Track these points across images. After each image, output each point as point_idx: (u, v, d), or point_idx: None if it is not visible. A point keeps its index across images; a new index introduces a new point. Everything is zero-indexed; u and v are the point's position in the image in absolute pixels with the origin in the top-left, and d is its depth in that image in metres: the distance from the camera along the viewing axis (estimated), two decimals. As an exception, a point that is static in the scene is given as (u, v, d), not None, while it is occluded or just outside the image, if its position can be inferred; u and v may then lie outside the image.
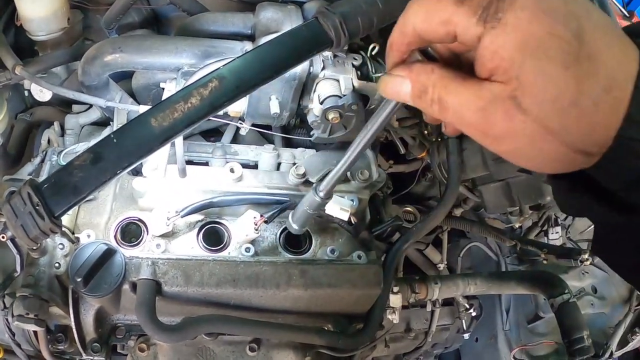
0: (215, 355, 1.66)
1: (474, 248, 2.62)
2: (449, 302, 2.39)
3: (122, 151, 1.02)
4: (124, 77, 1.76)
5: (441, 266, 2.41)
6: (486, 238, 2.51)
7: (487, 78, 0.63)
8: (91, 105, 1.81)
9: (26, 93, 1.86)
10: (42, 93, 1.77)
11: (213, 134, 1.90)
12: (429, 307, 2.20)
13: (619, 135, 0.59)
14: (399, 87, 0.70)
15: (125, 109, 1.62)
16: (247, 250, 1.55)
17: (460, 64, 0.68)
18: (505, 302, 2.61)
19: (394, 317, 1.75)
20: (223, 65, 1.07)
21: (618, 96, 0.58)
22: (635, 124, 0.58)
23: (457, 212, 2.30)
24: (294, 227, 1.45)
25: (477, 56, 0.63)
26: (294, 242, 1.61)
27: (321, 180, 1.31)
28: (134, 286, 1.44)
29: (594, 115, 0.58)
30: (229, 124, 1.80)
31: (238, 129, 1.81)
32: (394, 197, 2.18)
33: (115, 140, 1.02)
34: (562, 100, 0.58)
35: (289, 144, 1.89)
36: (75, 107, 1.85)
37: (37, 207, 1.00)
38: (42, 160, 1.68)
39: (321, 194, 1.32)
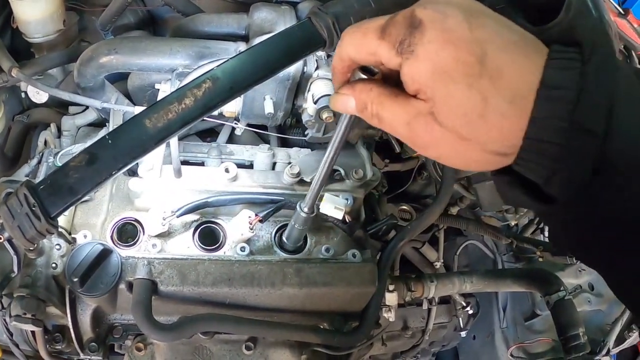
0: (212, 354, 1.67)
1: (470, 246, 2.62)
2: (445, 300, 2.40)
3: (117, 152, 1.03)
4: (119, 79, 1.77)
5: (438, 264, 2.42)
6: (482, 236, 2.51)
7: (414, 95, 0.74)
8: (87, 107, 1.82)
9: (23, 95, 1.87)
10: (38, 95, 1.78)
11: (209, 135, 1.91)
12: (425, 305, 2.21)
13: (526, 137, 0.67)
14: (345, 103, 0.83)
15: (121, 110, 1.63)
16: (243, 249, 1.56)
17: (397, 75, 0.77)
18: (502, 299, 2.61)
19: (390, 315, 1.75)
20: (217, 66, 1.08)
21: (522, 105, 0.67)
22: (539, 127, 0.66)
23: (454, 210, 2.31)
24: (289, 245, 1.54)
25: (402, 80, 0.74)
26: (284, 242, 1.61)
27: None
28: (130, 286, 1.45)
29: (502, 123, 0.68)
30: (224, 124, 1.81)
31: (234, 129, 1.81)
32: (390, 196, 2.19)
33: (110, 142, 1.03)
34: (471, 114, 0.68)
35: (284, 143, 1.89)
36: (71, 109, 1.86)
37: (33, 208, 1.01)
38: (39, 162, 1.69)
39: (305, 210, 1.41)
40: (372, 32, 0.75)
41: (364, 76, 0.82)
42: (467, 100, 0.68)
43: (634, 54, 2.16)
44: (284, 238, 1.56)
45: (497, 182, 0.79)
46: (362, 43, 0.77)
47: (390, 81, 0.79)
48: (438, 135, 0.72)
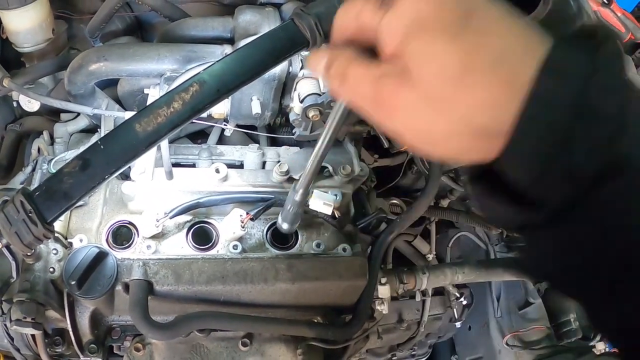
0: (209, 352, 1.70)
1: (462, 237, 2.63)
2: (439, 292, 2.41)
3: (109, 157, 1.05)
4: (109, 85, 1.79)
5: (430, 257, 2.43)
6: (474, 227, 2.53)
7: (386, 60, 0.66)
8: (79, 114, 1.83)
9: (15, 104, 1.89)
10: (30, 103, 1.80)
11: (200, 137, 1.93)
12: (418, 297, 2.22)
13: (522, 116, 0.56)
14: (317, 61, 0.73)
15: (112, 116, 1.65)
16: (235, 247, 1.58)
17: None
18: (495, 289, 2.63)
19: (383, 308, 1.77)
20: (203, 70, 1.11)
21: (517, 71, 0.57)
22: (539, 105, 0.55)
23: (444, 202, 2.33)
24: (284, 227, 1.52)
25: (377, 40, 0.67)
26: (280, 238, 1.64)
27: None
28: (126, 287, 1.48)
29: (489, 89, 0.57)
30: (214, 126, 1.84)
31: (223, 130, 1.84)
32: (381, 191, 2.22)
33: (102, 147, 1.06)
34: (448, 71, 0.58)
35: (273, 142, 1.92)
36: (63, 116, 1.88)
37: (30, 214, 1.04)
38: (33, 169, 1.71)
39: (300, 191, 1.40)
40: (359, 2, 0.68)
41: None
42: (444, 55, 0.58)
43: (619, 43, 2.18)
44: (279, 222, 1.54)
45: (474, 190, 0.67)
46: (349, 7, 0.71)
47: None
48: (408, 95, 0.61)
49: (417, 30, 0.61)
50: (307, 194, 1.44)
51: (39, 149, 1.84)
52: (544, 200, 0.58)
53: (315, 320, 1.72)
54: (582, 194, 0.55)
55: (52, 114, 1.92)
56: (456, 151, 0.63)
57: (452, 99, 0.59)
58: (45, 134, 1.85)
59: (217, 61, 1.13)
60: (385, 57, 0.66)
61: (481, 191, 0.66)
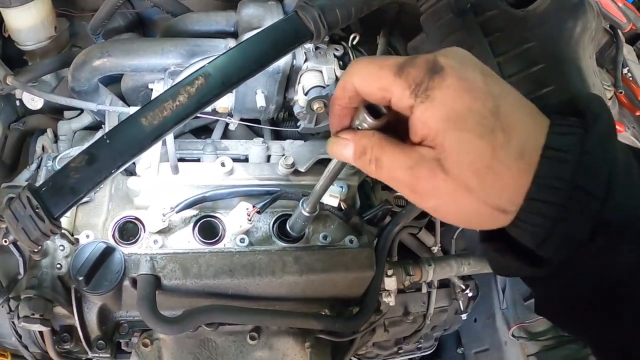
0: (217, 346, 1.70)
1: (467, 229, 2.64)
2: (445, 284, 2.41)
3: (115, 151, 1.06)
4: (112, 82, 1.79)
5: (435, 249, 2.43)
6: (479, 218, 2.52)
7: (418, 143, 0.72)
8: (82, 111, 1.84)
9: (17, 103, 1.89)
10: (33, 101, 1.80)
11: (203, 132, 1.93)
12: (424, 289, 2.22)
13: (527, 197, 0.68)
14: (343, 149, 0.80)
15: (116, 112, 1.65)
16: (242, 240, 1.58)
17: (399, 120, 0.76)
18: (500, 281, 2.63)
19: (390, 300, 1.78)
20: (208, 63, 1.11)
21: (528, 162, 0.68)
22: (541, 187, 0.67)
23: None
24: (292, 234, 1.58)
25: (410, 124, 0.73)
26: (287, 231, 1.63)
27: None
28: (134, 282, 1.48)
29: (508, 178, 0.68)
30: (218, 120, 1.84)
31: (227, 125, 1.84)
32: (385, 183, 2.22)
33: (108, 141, 1.07)
34: (478, 163, 0.68)
35: (277, 137, 1.92)
36: (66, 114, 1.88)
37: (36, 210, 1.04)
38: (38, 167, 1.70)
39: (307, 209, 1.46)
40: (388, 67, 0.73)
41: (369, 118, 0.77)
42: (477, 150, 0.68)
43: (619, 32, 2.18)
44: (288, 227, 1.59)
45: (487, 249, 0.79)
46: (375, 75, 0.74)
47: (392, 127, 0.78)
48: (441, 183, 0.70)
49: (452, 126, 0.69)
50: (314, 211, 1.47)
51: (43, 147, 1.84)
52: (547, 259, 0.71)
53: (323, 313, 1.72)
54: (576, 251, 0.69)
55: (55, 112, 1.92)
56: (476, 223, 0.74)
57: (480, 186, 0.69)
58: (49, 132, 1.85)
59: (222, 54, 1.14)
60: (416, 140, 0.73)
61: (493, 249, 0.78)
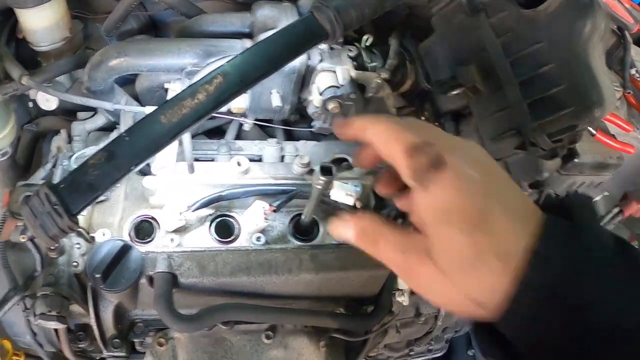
0: (232, 345, 1.70)
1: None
2: (456, 286, 2.41)
3: (134, 148, 1.07)
4: (125, 83, 1.80)
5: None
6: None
7: (414, 224, 0.79)
8: (96, 112, 1.85)
9: (30, 104, 1.90)
10: (48, 102, 1.80)
11: (216, 134, 1.94)
12: (436, 289, 2.22)
13: (513, 301, 0.70)
14: (344, 230, 0.85)
15: (132, 112, 1.66)
16: (258, 239, 1.59)
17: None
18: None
19: (403, 299, 1.78)
20: (226, 62, 1.12)
21: (510, 265, 0.70)
22: (524, 293, 0.69)
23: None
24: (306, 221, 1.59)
25: (410, 202, 0.78)
26: (303, 230, 1.65)
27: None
28: (151, 280, 1.49)
29: (488, 277, 0.71)
30: (232, 121, 1.85)
31: (241, 126, 1.85)
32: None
33: (127, 138, 1.07)
34: (462, 259, 0.72)
35: (290, 138, 1.93)
36: (80, 115, 1.89)
37: (55, 207, 1.04)
38: (54, 166, 1.71)
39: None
40: (403, 143, 0.77)
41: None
42: (462, 247, 0.71)
43: (627, 34, 2.19)
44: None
45: (477, 332, 0.83)
46: (389, 144, 0.80)
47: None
48: (430, 271, 0.74)
49: (444, 219, 0.73)
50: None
51: (58, 147, 1.85)
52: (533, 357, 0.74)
53: (338, 311, 1.72)
54: (560, 350, 0.71)
55: (68, 114, 1.92)
56: (462, 312, 0.77)
57: (463, 279, 0.73)
58: (63, 133, 1.86)
59: (239, 54, 1.15)
60: (413, 219, 0.79)
61: (482, 338, 0.82)
